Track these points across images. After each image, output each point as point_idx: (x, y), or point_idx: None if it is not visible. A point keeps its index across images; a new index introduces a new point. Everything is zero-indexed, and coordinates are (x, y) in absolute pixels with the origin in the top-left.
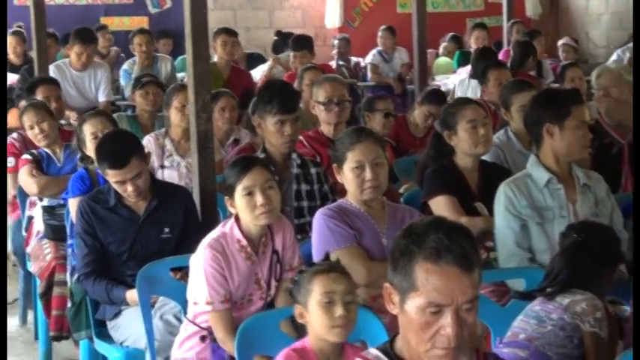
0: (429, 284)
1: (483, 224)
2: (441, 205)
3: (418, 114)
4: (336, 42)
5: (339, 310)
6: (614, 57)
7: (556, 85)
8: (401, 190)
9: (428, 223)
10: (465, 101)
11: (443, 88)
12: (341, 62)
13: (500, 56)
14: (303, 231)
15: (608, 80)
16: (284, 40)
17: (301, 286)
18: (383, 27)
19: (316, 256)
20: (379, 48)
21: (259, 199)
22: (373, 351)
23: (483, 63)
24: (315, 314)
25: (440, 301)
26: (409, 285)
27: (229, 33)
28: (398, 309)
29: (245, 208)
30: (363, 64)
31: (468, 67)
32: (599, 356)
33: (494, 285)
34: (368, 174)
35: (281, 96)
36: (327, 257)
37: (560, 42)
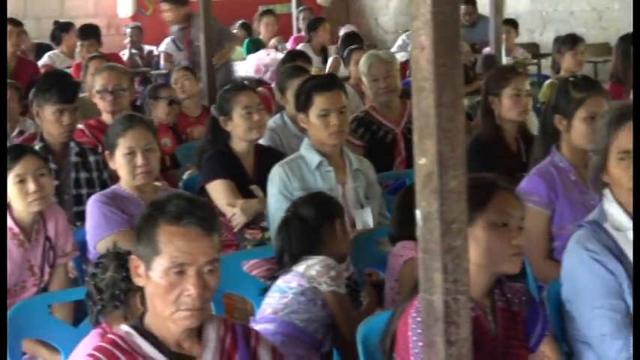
0: (171, 245)
1: (259, 206)
2: (217, 189)
3: None
4: (128, 31)
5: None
6: (399, 42)
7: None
8: (184, 176)
9: (170, 194)
10: (240, 88)
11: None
12: (134, 51)
13: (291, 44)
14: (82, 218)
15: (385, 70)
16: (62, 30)
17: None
18: None
19: (91, 242)
20: (173, 36)
21: (31, 186)
22: (124, 327)
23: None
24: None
25: (182, 260)
26: (153, 250)
27: (14, 23)
28: (144, 279)
29: (17, 195)
30: (156, 52)
31: (258, 54)
32: (346, 311)
33: (271, 263)
34: (139, 160)
35: (60, 86)
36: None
37: (341, 32)
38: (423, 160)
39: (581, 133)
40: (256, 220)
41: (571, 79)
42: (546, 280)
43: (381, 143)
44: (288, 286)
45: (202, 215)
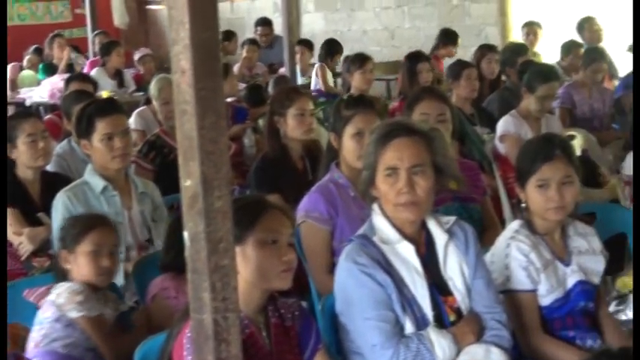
0: None
1: (45, 233)
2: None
3: None
4: None
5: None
6: None
7: (140, 93)
8: None
9: None
10: (25, 116)
11: (28, 101)
12: None
13: (87, 68)
14: None
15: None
16: None
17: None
18: None
19: None
20: None
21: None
22: None
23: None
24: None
25: None
26: None
27: None
28: None
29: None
30: None
31: (52, 79)
32: (100, 334)
33: None
34: None
35: None
36: None
37: (136, 57)
38: (188, 182)
39: (349, 149)
40: (44, 248)
41: (344, 97)
42: (329, 293)
43: (171, 166)
44: (44, 317)
45: None
